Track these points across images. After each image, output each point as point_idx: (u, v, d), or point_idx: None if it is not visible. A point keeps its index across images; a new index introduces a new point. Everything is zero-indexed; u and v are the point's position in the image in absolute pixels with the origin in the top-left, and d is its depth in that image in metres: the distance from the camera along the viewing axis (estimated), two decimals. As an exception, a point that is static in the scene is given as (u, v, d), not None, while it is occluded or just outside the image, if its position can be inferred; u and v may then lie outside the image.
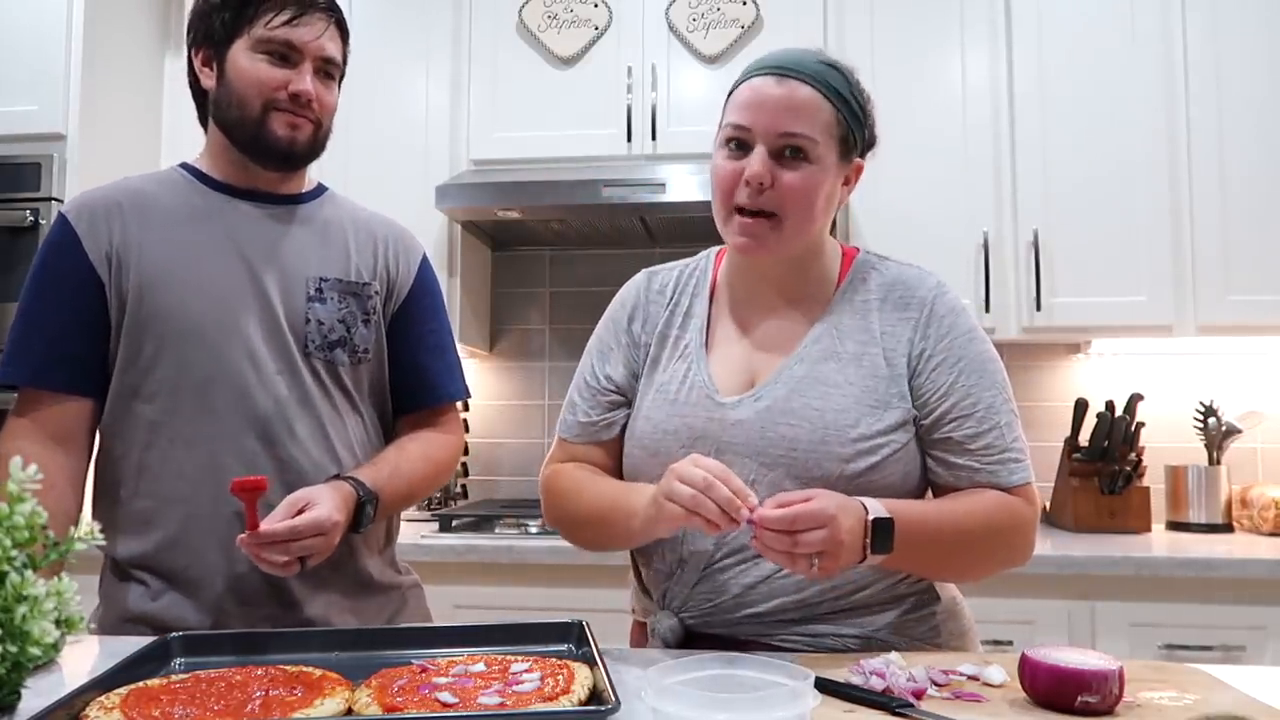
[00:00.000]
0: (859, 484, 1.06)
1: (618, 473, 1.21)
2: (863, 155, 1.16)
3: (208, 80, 1.28)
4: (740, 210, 1.09)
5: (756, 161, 1.06)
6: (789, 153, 1.07)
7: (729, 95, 1.13)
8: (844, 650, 1.08)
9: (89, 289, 1.22)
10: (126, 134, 2.58)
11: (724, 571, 1.11)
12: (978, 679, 0.94)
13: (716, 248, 1.27)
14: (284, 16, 1.25)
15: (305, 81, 1.27)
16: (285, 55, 1.26)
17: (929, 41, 2.46)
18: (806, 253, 1.15)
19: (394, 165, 2.59)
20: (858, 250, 1.21)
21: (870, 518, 0.98)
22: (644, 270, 1.28)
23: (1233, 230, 2.32)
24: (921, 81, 2.45)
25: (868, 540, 0.98)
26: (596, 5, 2.54)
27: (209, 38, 1.27)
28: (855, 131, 1.11)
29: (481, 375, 2.90)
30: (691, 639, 1.14)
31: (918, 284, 1.15)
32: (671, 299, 1.22)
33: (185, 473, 1.23)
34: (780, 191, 1.07)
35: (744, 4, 2.49)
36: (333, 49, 1.33)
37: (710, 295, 1.22)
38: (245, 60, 1.25)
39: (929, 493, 1.16)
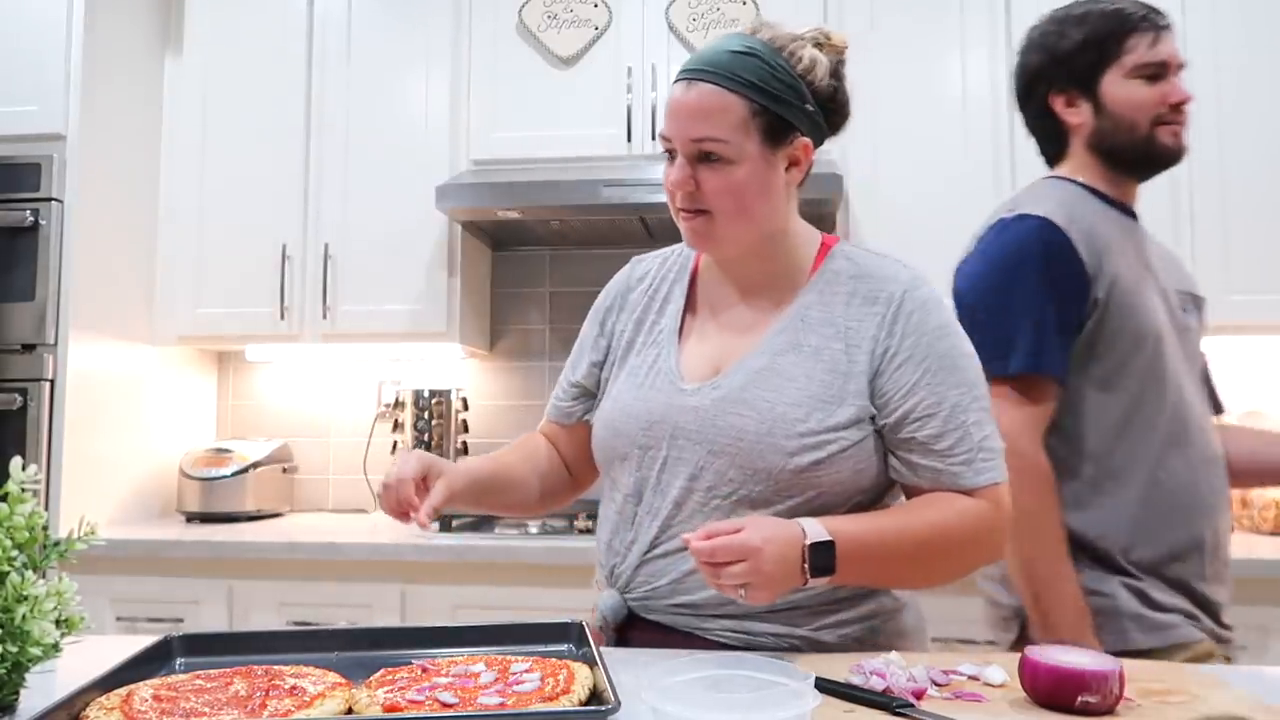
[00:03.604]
0: (805, 478, 1.06)
1: (572, 454, 1.32)
2: (817, 129, 1.12)
3: (1076, 117, 1.44)
4: (682, 210, 1.13)
5: (675, 170, 1.10)
6: (706, 156, 1.08)
7: None
8: (779, 649, 1.08)
9: (1083, 291, 1.33)
10: (126, 134, 2.58)
11: (665, 556, 1.12)
12: (978, 679, 0.94)
13: None
14: (1147, 40, 1.41)
15: (1182, 90, 1.41)
16: (1155, 75, 1.41)
17: (929, 41, 2.46)
18: (768, 241, 1.15)
19: (394, 165, 2.59)
20: (837, 240, 1.20)
21: (808, 542, 0.97)
22: (633, 258, 1.33)
23: (1233, 230, 2.32)
24: (921, 81, 2.45)
25: (806, 565, 0.97)
26: (596, 5, 2.54)
27: (1071, 80, 1.43)
28: (785, 113, 1.08)
29: (481, 375, 2.90)
30: (633, 623, 1.15)
31: (889, 277, 1.13)
32: (652, 285, 1.25)
33: (1175, 468, 1.33)
34: (704, 193, 1.09)
35: (744, 4, 2.49)
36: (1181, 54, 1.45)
37: (691, 282, 1.24)
38: (1122, 90, 1.40)
39: (892, 491, 1.15)
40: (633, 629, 1.15)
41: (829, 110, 1.13)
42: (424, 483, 1.11)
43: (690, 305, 1.22)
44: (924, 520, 1.06)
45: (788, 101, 1.08)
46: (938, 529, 1.05)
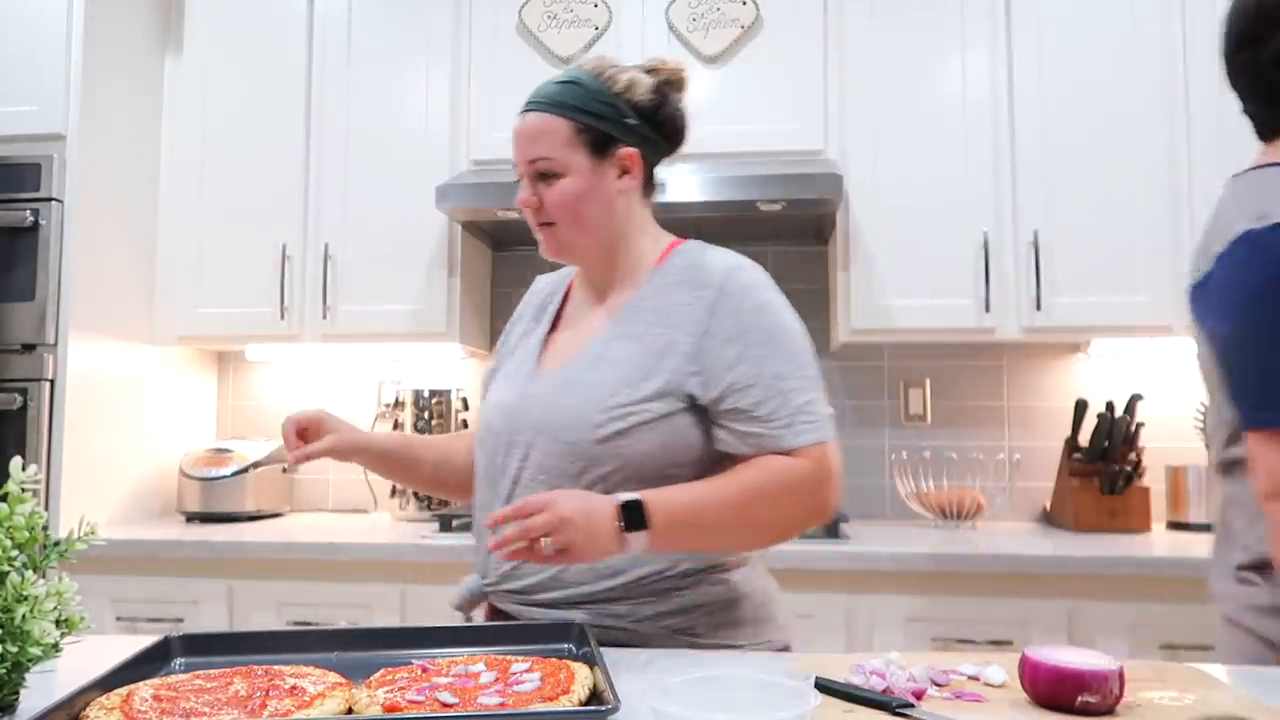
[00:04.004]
0: (609, 448, 1.14)
1: None
2: (646, 140, 1.24)
3: None
4: (535, 225, 1.26)
5: (521, 190, 1.25)
6: (543, 175, 1.22)
7: None
8: (602, 643, 1.10)
9: None
10: (126, 134, 2.58)
11: None
12: (978, 679, 0.94)
13: None
14: None
15: None
16: None
17: (929, 41, 2.46)
18: (614, 247, 1.27)
19: (394, 165, 2.59)
20: (684, 241, 1.30)
21: (618, 501, 1.06)
22: (537, 276, 1.46)
23: (1233, 230, 2.32)
24: (922, 82, 2.45)
25: (621, 524, 1.05)
26: (596, 5, 2.55)
27: None
28: (606, 128, 1.21)
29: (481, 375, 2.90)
30: (490, 608, 1.25)
31: (714, 265, 1.21)
32: (542, 299, 1.39)
33: None
34: (546, 206, 1.23)
35: (744, 4, 2.49)
36: None
37: (567, 293, 1.37)
38: None
39: (714, 473, 1.18)
40: (487, 614, 1.25)
41: (656, 123, 1.25)
42: (317, 434, 1.30)
43: (561, 312, 1.35)
44: (742, 480, 1.12)
45: (607, 118, 1.22)
46: (756, 486, 1.12)
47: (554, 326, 1.33)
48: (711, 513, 1.11)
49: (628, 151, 1.23)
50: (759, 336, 1.15)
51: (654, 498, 1.08)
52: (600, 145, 1.22)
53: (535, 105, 1.23)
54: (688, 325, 1.17)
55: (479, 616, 1.28)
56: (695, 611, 1.18)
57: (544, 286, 1.42)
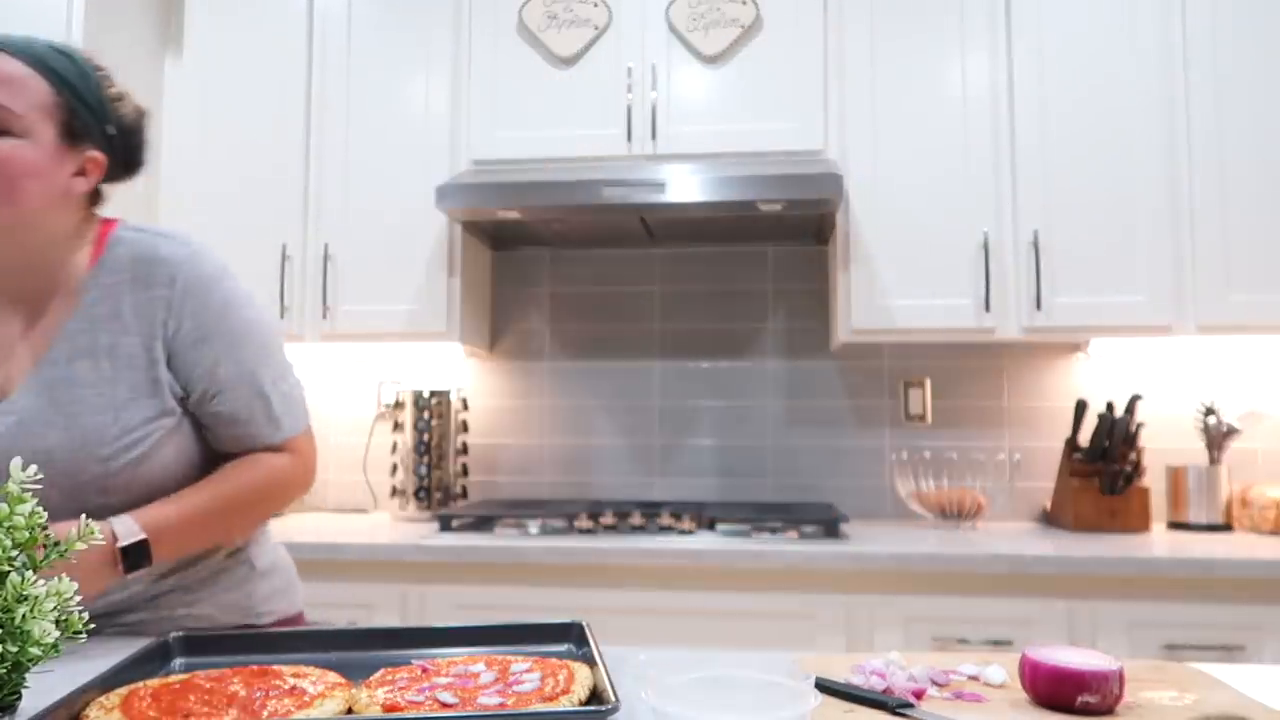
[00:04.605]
0: (125, 479, 1.09)
1: None
2: (113, 153, 1.15)
3: None
4: None
5: None
6: None
7: None
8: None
9: None
10: (126, 134, 2.58)
11: None
12: (978, 679, 0.94)
13: None
14: None
15: None
16: None
17: (929, 42, 2.46)
18: (41, 242, 1.11)
19: (394, 165, 2.59)
20: (116, 223, 1.18)
21: (120, 545, 1.04)
22: None
23: (1232, 230, 2.32)
24: (922, 82, 2.45)
25: (120, 565, 1.05)
26: (596, 5, 2.54)
27: None
28: (87, 119, 1.11)
29: (481, 375, 2.90)
30: None
31: (165, 257, 1.13)
32: None
33: None
34: None
35: (744, 4, 2.49)
36: None
37: None
38: None
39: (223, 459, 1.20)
40: None
41: (129, 144, 1.17)
42: None
43: None
44: (232, 484, 1.15)
45: (92, 110, 1.12)
46: (245, 487, 1.16)
47: None
48: (206, 520, 1.13)
49: (96, 156, 1.13)
50: (230, 337, 1.15)
51: (155, 524, 1.07)
52: (74, 133, 1.10)
53: (15, 49, 1.09)
54: (155, 329, 1.11)
55: None
56: (175, 592, 1.20)
57: None
